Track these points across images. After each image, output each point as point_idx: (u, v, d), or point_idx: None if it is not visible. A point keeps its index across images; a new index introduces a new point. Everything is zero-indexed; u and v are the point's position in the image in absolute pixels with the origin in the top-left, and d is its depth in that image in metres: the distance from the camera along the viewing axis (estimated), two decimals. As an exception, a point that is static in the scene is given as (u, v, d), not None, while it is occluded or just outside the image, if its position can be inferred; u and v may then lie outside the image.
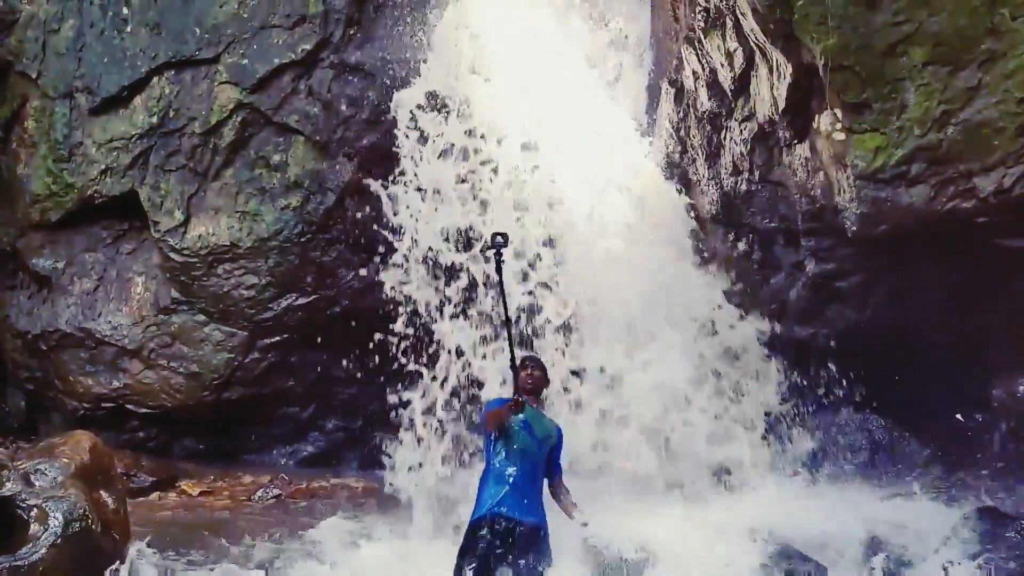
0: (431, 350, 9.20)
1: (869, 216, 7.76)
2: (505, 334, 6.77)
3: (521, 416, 6.42)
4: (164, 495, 9.31)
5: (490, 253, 6.66)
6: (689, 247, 9.76)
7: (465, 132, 9.87)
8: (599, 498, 7.57)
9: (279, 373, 10.02)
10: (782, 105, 8.27)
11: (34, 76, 10.33)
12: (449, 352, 9.10)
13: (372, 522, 8.10)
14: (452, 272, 9.47)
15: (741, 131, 9.06)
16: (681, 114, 9.89)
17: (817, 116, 8.01)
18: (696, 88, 9.53)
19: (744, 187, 9.24)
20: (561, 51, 10.71)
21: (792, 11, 7.69)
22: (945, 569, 6.54)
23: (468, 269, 9.46)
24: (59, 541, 6.00)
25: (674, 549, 6.82)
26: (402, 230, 9.62)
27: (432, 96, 9.91)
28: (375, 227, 9.65)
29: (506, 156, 9.86)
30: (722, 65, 8.99)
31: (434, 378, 9.09)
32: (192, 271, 9.77)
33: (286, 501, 9.15)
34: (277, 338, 9.89)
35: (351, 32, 9.94)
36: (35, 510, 6.08)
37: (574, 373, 9.07)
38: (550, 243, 9.51)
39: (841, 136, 7.72)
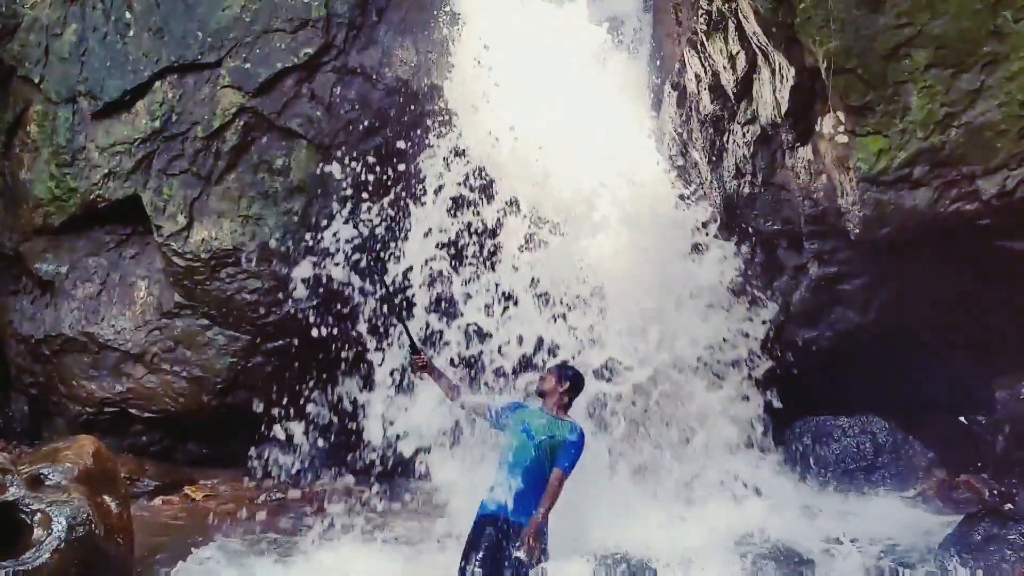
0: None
1: (872, 219, 7.76)
2: None
3: (522, 418, 6.58)
4: (168, 499, 9.31)
5: None
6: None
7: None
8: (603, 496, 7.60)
9: (282, 377, 10.00)
10: (785, 108, 8.27)
11: (37, 81, 10.32)
12: (453, 361, 9.12)
13: (374, 523, 8.13)
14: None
15: (744, 134, 9.06)
16: (683, 117, 9.90)
17: (820, 119, 8.01)
18: (698, 91, 9.53)
19: (747, 190, 9.24)
20: (564, 53, 10.72)
21: (794, 14, 7.69)
22: (948, 570, 6.55)
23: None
24: (62, 546, 6.01)
25: (671, 550, 6.85)
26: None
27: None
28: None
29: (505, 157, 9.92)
30: (724, 68, 8.99)
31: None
32: (195, 275, 9.77)
33: (290, 504, 9.16)
34: (280, 342, 9.89)
35: (353, 36, 9.94)
36: (38, 515, 6.09)
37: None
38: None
39: (844, 139, 7.72)
